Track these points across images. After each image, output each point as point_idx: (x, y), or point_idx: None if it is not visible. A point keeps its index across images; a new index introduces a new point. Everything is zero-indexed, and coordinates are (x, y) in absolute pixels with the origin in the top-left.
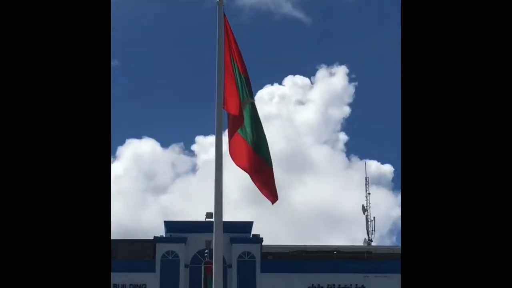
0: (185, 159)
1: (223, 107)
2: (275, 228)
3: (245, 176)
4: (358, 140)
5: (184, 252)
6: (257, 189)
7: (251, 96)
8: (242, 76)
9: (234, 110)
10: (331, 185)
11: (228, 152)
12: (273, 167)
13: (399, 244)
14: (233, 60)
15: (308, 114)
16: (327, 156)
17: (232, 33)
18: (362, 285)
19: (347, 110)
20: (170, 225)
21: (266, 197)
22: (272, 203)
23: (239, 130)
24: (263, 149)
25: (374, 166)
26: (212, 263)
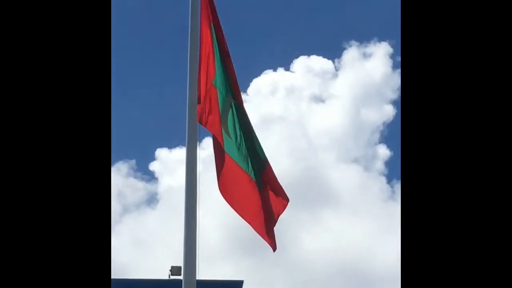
0: (139, 185)
1: (198, 120)
2: None
3: (231, 211)
4: None
5: None
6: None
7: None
8: (227, 74)
9: (213, 122)
10: (363, 226)
11: (218, 187)
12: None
13: None
14: (218, 46)
15: (330, 117)
16: (358, 181)
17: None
18: None
19: (389, 111)
20: (116, 286)
21: (269, 242)
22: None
23: (226, 148)
24: (258, 169)
25: None
26: None
